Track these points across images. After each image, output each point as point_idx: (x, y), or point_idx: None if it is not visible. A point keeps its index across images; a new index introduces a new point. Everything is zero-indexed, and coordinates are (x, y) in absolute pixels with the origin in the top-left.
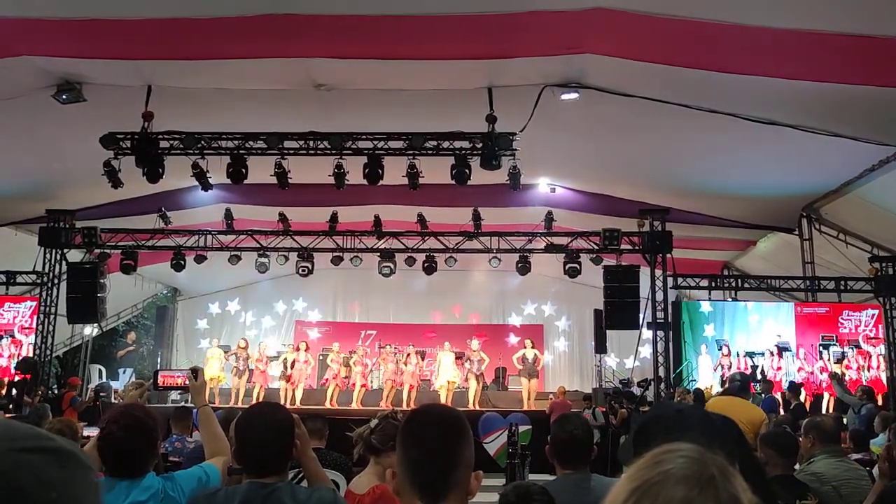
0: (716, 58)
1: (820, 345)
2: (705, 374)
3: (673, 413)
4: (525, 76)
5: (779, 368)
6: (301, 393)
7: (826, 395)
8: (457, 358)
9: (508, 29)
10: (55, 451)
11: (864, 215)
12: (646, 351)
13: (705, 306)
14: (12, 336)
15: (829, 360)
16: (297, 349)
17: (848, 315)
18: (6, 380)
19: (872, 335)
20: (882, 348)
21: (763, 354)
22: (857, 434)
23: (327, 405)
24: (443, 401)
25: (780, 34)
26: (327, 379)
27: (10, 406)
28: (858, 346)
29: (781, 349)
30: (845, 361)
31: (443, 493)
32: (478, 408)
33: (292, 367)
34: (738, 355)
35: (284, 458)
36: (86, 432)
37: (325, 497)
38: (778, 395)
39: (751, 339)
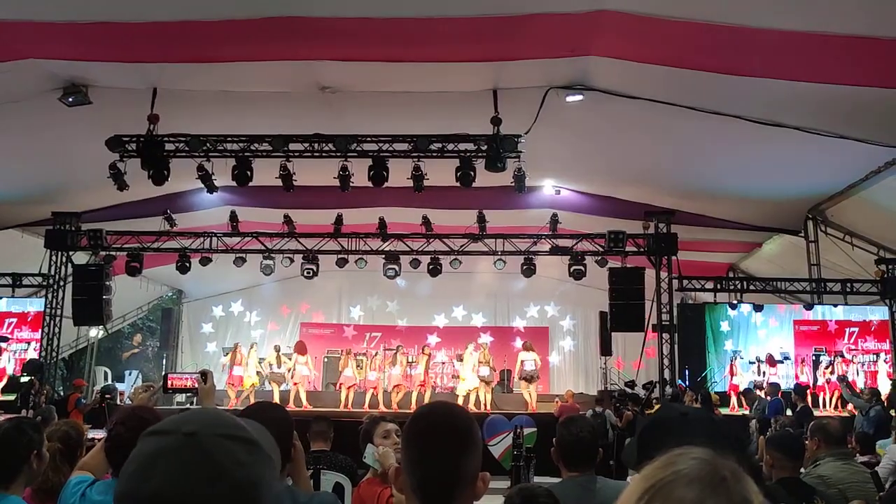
0: (721, 60)
1: (813, 355)
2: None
3: (677, 416)
4: (530, 78)
5: (774, 374)
6: (304, 395)
7: (820, 398)
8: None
9: (513, 31)
10: (247, 440)
11: (871, 217)
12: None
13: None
14: None
15: (825, 368)
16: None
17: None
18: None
19: (854, 348)
20: (862, 357)
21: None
22: (863, 436)
23: (340, 409)
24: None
25: (786, 36)
26: (342, 383)
27: (21, 406)
28: (842, 356)
29: (774, 360)
30: (830, 368)
31: (448, 494)
32: (481, 410)
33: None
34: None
35: (284, 458)
36: (91, 434)
37: (325, 500)
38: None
39: (759, 348)
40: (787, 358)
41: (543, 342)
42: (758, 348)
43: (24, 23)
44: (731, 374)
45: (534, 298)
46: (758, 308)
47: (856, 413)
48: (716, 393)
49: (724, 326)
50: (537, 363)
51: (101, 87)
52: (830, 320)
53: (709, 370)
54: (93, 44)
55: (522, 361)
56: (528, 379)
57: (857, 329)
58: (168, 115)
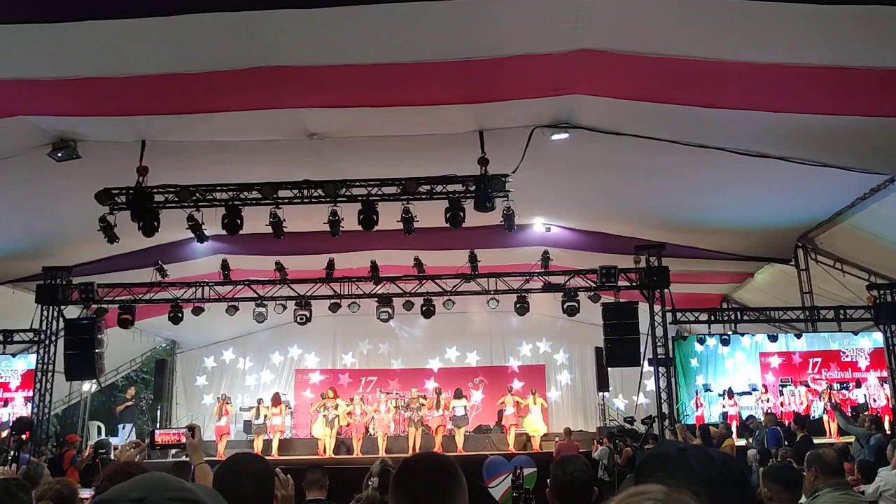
0: (703, 94)
1: (779, 385)
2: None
3: (675, 451)
4: (515, 118)
5: (734, 404)
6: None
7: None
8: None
9: (496, 73)
10: (194, 501)
11: (859, 243)
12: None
13: (697, 347)
14: None
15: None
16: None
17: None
18: None
19: (819, 377)
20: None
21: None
22: (864, 465)
23: (357, 455)
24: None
25: (765, 69)
26: (343, 427)
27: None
28: (808, 385)
29: (732, 393)
30: (797, 398)
31: None
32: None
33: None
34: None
35: None
36: (83, 493)
37: None
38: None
39: (728, 381)
40: (754, 389)
41: (540, 380)
42: (726, 381)
43: (13, 81)
44: (697, 406)
45: (528, 336)
46: (724, 342)
47: (852, 441)
48: (714, 426)
49: (694, 362)
50: (467, 409)
51: (90, 140)
52: (794, 352)
53: (680, 404)
54: (81, 99)
55: (453, 408)
56: (458, 424)
57: (820, 359)
58: (157, 166)
